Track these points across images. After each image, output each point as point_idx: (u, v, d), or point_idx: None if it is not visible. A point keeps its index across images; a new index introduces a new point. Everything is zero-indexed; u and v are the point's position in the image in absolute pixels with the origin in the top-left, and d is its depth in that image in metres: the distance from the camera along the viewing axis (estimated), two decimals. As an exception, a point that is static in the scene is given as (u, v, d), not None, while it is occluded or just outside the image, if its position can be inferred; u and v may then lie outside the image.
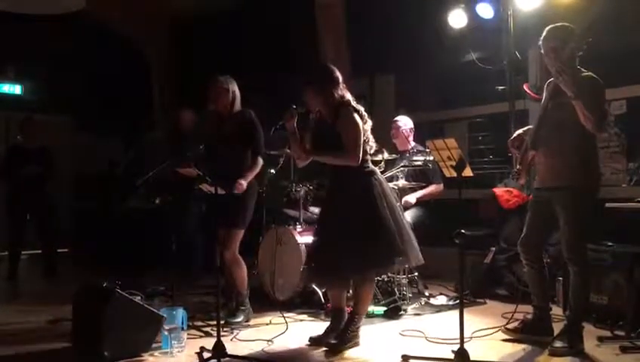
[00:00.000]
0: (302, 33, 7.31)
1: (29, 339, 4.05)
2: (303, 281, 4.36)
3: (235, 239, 4.37)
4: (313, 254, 3.98)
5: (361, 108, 3.88)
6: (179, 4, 8.36)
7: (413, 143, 5.57)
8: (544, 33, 3.69)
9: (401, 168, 5.21)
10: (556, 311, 4.28)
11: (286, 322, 4.24)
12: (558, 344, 3.58)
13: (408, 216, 5.45)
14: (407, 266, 5.03)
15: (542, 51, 3.72)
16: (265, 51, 7.69)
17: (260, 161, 4.51)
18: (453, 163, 3.45)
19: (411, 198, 5.43)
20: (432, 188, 5.54)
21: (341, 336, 3.77)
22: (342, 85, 3.88)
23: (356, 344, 3.81)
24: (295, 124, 3.89)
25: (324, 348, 3.73)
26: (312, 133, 3.99)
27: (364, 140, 3.81)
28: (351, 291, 4.10)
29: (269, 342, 3.90)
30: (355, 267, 3.70)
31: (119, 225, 7.18)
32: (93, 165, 8.98)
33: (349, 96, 3.89)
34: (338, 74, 3.89)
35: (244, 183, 4.33)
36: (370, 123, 3.90)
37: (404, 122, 5.67)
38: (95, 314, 3.55)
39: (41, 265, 6.78)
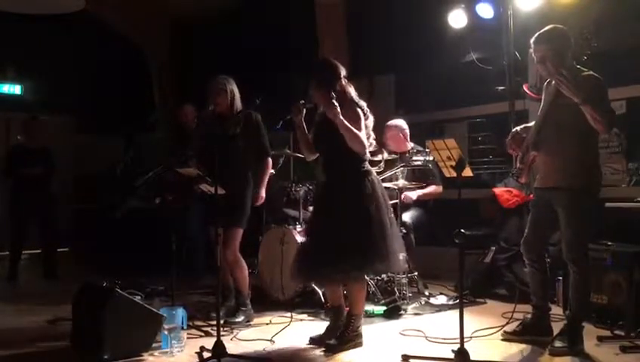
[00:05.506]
0: (302, 33, 7.32)
1: (29, 339, 4.05)
2: (291, 278, 4.29)
3: (234, 238, 4.37)
4: (301, 252, 3.96)
5: (364, 104, 3.87)
6: (179, 4, 8.36)
7: (411, 144, 5.58)
8: (536, 39, 3.65)
9: (401, 168, 5.22)
10: (556, 311, 4.28)
11: (292, 317, 4.31)
12: (558, 344, 3.58)
13: (408, 215, 5.47)
14: (405, 266, 5.06)
15: (534, 58, 3.70)
16: (265, 51, 7.69)
17: (269, 162, 4.58)
18: (453, 163, 3.45)
19: (412, 194, 5.45)
20: (431, 189, 5.56)
21: (341, 337, 3.76)
22: (344, 80, 3.86)
23: (358, 344, 3.79)
24: (302, 119, 3.88)
25: (324, 348, 3.73)
26: (314, 127, 3.98)
27: (366, 136, 3.79)
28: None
29: (270, 342, 3.90)
30: (337, 267, 3.67)
31: (119, 225, 7.17)
32: (93, 165, 8.98)
33: (351, 91, 3.88)
34: (340, 69, 3.87)
35: (263, 195, 4.54)
36: (371, 119, 3.88)
37: (398, 125, 5.67)
38: (95, 313, 3.55)
39: (41, 265, 6.78)
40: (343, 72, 3.88)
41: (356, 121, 3.73)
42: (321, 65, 4.03)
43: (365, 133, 3.78)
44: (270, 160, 4.59)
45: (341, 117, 3.65)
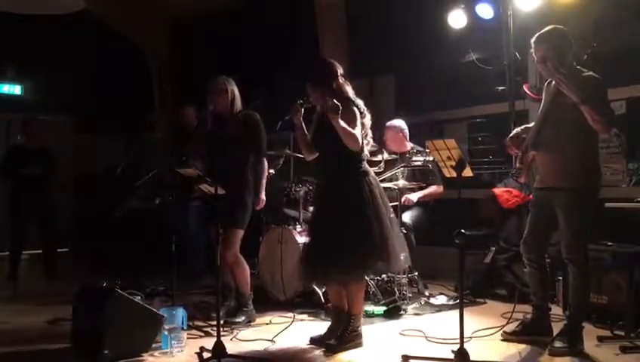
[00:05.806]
0: (302, 33, 7.32)
1: (29, 339, 4.05)
2: (298, 279, 4.31)
3: (235, 239, 4.37)
4: (304, 253, 3.97)
5: (361, 103, 3.86)
6: (179, 4, 8.36)
7: (411, 144, 5.58)
8: (537, 39, 3.66)
9: (401, 168, 5.22)
10: (556, 311, 4.28)
11: (294, 317, 4.32)
12: (557, 344, 3.58)
13: (408, 216, 5.46)
14: (407, 266, 5.06)
15: (534, 58, 3.70)
16: (265, 51, 7.70)
17: (265, 164, 4.56)
18: (453, 163, 3.45)
19: (413, 196, 5.45)
20: (432, 189, 5.56)
21: (340, 337, 3.76)
22: (341, 79, 3.86)
23: (358, 344, 3.79)
24: (301, 118, 3.88)
25: (325, 348, 3.73)
26: (313, 127, 3.97)
27: (363, 135, 3.79)
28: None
29: (271, 342, 3.90)
30: (337, 267, 3.68)
31: (119, 225, 7.18)
32: (93, 165, 8.98)
33: (348, 89, 3.88)
34: (337, 68, 3.87)
35: (264, 198, 4.51)
36: (368, 117, 3.88)
37: (397, 125, 5.66)
38: (95, 313, 3.56)
39: (41, 265, 6.78)
40: (340, 71, 3.88)
41: (353, 120, 3.72)
42: (317, 65, 4.04)
43: (362, 132, 3.78)
44: (266, 162, 4.58)
45: (336, 117, 3.62)
